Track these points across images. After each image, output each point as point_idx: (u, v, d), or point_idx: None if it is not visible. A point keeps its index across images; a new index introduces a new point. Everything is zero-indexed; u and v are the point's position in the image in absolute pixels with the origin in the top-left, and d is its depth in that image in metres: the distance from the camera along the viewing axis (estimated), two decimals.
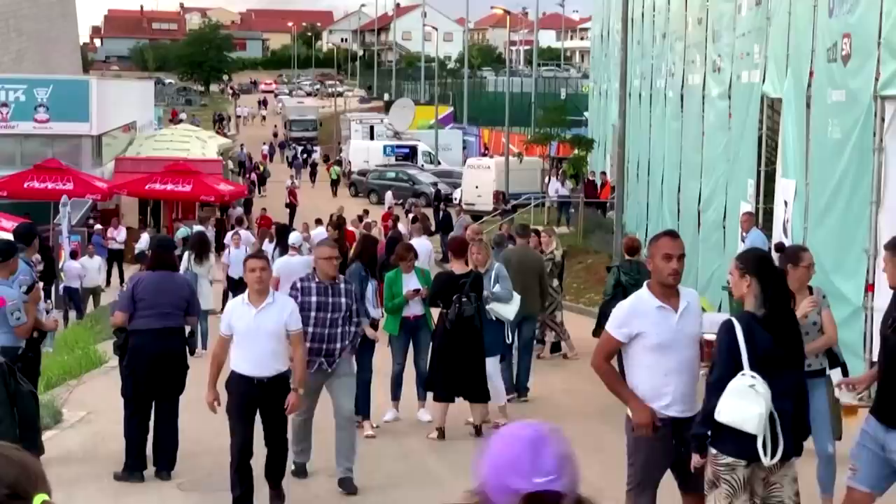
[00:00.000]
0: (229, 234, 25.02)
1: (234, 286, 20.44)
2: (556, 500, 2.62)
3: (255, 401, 9.20)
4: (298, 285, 10.27)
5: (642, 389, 6.97)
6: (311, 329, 9.98)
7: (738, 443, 6.32)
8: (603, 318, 15.17)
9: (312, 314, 10.07)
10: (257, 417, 9.37)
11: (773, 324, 6.32)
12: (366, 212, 39.11)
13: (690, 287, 8.40)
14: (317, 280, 10.29)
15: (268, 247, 20.71)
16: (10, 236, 12.71)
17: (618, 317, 7.07)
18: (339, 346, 10.20)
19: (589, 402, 14.24)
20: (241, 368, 9.22)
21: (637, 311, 6.95)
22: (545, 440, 2.80)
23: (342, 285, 10.37)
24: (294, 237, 19.47)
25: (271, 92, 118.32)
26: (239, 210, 41.31)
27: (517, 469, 2.63)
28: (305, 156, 70.40)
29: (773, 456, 6.30)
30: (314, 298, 10.16)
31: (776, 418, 6.27)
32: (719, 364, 6.42)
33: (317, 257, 10.55)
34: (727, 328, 6.37)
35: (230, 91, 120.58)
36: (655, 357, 6.87)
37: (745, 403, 6.22)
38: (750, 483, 6.38)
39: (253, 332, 9.11)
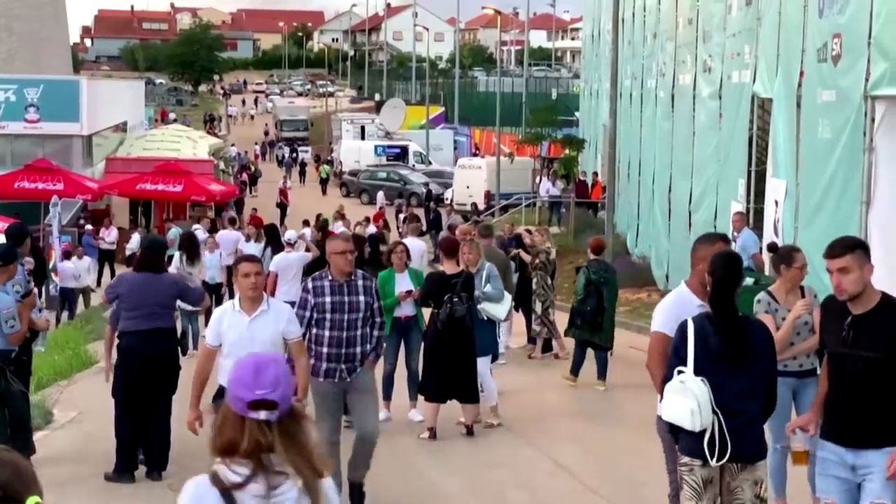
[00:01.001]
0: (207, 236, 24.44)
1: (209, 291, 19.25)
2: (272, 405, 3.72)
3: None
4: (310, 285, 9.35)
5: None
6: (326, 333, 9.16)
7: (689, 441, 6.26)
8: (576, 316, 15.34)
9: (328, 316, 9.16)
10: None
11: (719, 324, 6.26)
12: (342, 207, 39.10)
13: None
14: (330, 278, 9.28)
15: (255, 247, 20.68)
16: (1, 237, 12.70)
17: (662, 313, 7.00)
18: (359, 350, 9.26)
19: (580, 402, 14.27)
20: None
21: (680, 307, 6.81)
22: (266, 365, 3.78)
23: (360, 282, 9.35)
24: (290, 234, 19.60)
25: (262, 92, 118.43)
26: (231, 212, 41.24)
27: (244, 384, 3.74)
28: (294, 155, 70.45)
29: (719, 458, 6.15)
30: (328, 298, 9.20)
31: (720, 418, 6.16)
32: (668, 363, 6.44)
33: (330, 252, 9.51)
34: (681, 327, 6.36)
35: (221, 91, 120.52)
36: None
37: (679, 399, 6.21)
38: (716, 485, 6.28)
39: (246, 343, 8.23)
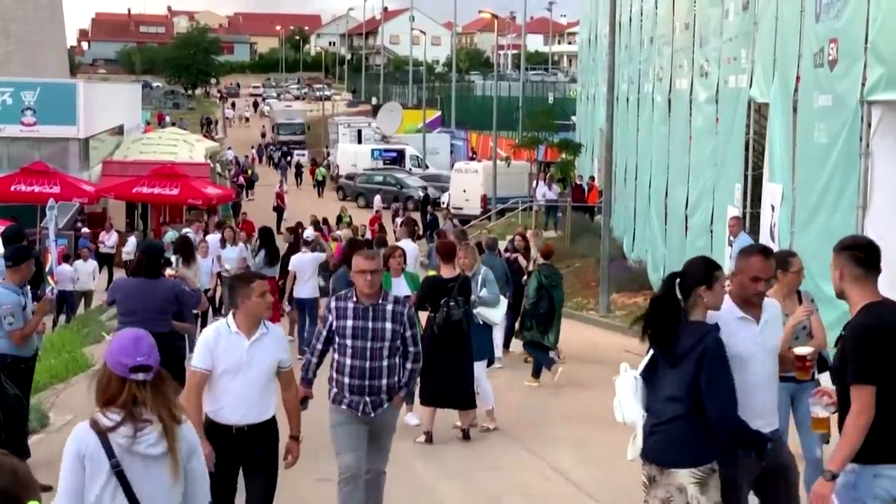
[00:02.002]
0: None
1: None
2: (148, 369, 4.82)
3: (235, 454, 7.40)
4: (333, 306, 8.43)
5: None
6: (348, 361, 8.30)
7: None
8: (528, 319, 15.74)
9: (349, 343, 8.30)
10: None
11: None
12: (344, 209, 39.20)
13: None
14: (355, 299, 8.34)
15: (233, 251, 20.71)
16: None
17: None
18: (384, 382, 8.33)
19: (576, 406, 14.26)
20: (219, 414, 7.39)
21: (720, 321, 6.49)
22: (142, 337, 4.90)
23: (389, 306, 8.35)
24: (308, 233, 21.34)
25: (259, 95, 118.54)
26: (217, 217, 41.08)
27: (126, 353, 4.83)
28: (288, 158, 70.66)
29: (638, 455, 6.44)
30: (350, 322, 8.29)
31: (644, 418, 6.43)
32: None
33: (352, 271, 8.54)
34: None
35: (218, 94, 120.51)
36: (736, 370, 6.40)
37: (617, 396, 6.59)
38: (660, 485, 6.38)
39: (244, 368, 7.36)
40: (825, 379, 8.70)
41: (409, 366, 8.48)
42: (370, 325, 8.28)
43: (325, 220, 32.99)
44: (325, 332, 8.44)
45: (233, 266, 19.97)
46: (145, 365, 4.84)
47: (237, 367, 7.35)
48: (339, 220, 40.59)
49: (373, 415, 8.32)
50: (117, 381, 4.82)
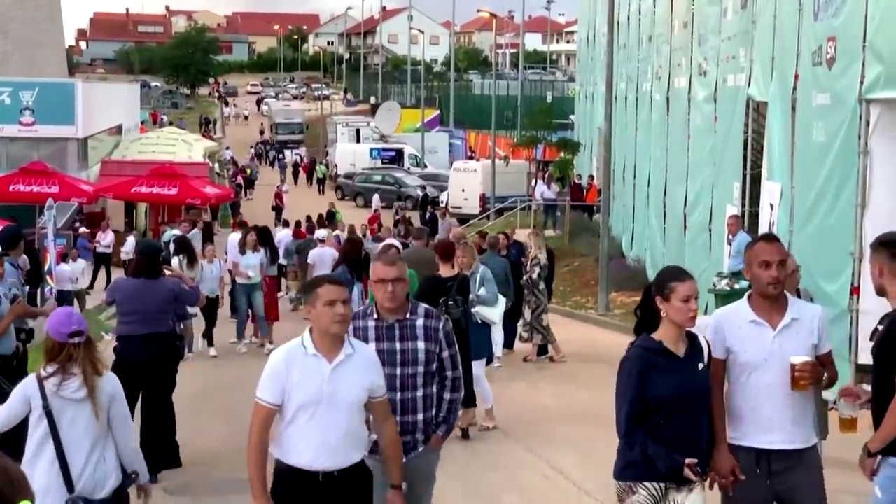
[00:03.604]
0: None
1: (206, 306, 17.40)
2: (81, 333, 6.44)
3: None
4: (350, 328, 6.30)
5: (735, 416, 6.20)
6: None
7: None
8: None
9: None
10: None
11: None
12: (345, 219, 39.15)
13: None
14: (376, 317, 6.66)
15: (252, 258, 19.38)
16: None
17: (710, 332, 6.27)
18: (421, 418, 6.67)
19: (576, 405, 14.26)
20: (298, 458, 5.82)
21: (727, 324, 6.16)
22: (73, 313, 6.59)
23: (419, 321, 6.66)
24: (321, 232, 22.89)
25: (256, 93, 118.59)
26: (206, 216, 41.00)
27: (64, 324, 6.42)
28: (279, 156, 70.99)
29: None
30: (374, 345, 6.53)
31: None
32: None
33: (370, 280, 6.87)
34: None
35: (217, 94, 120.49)
36: (746, 378, 6.11)
37: None
38: None
39: (327, 401, 5.77)
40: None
41: (447, 396, 6.78)
42: (398, 346, 6.60)
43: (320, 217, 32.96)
44: None
45: (255, 275, 19.24)
46: (79, 331, 6.46)
47: (316, 399, 5.77)
48: (331, 216, 40.36)
49: (404, 460, 6.41)
50: (58, 345, 6.42)
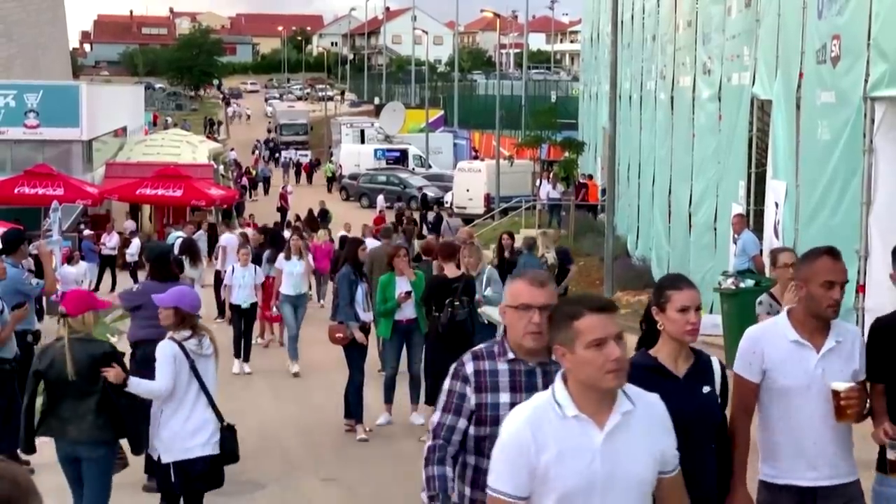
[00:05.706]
0: (221, 245, 22.36)
1: (241, 319, 16.67)
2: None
3: None
4: (468, 370, 4.95)
5: (770, 450, 5.52)
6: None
7: None
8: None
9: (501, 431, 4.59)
10: None
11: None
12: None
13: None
14: (510, 357, 4.92)
15: (297, 264, 17.41)
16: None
17: (744, 349, 5.51)
18: None
19: None
20: None
21: (767, 341, 5.46)
22: (197, 295, 8.17)
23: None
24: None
25: (254, 91, 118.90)
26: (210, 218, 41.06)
27: (195, 302, 7.96)
28: (277, 155, 71.21)
29: None
30: (505, 398, 4.86)
31: None
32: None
33: (507, 305, 4.94)
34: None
35: (221, 96, 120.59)
36: (784, 405, 5.43)
37: None
38: None
39: (602, 483, 3.93)
40: None
41: None
42: None
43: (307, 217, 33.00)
44: (461, 419, 4.98)
45: (297, 286, 17.15)
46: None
47: (589, 482, 3.91)
48: (324, 214, 40.28)
49: None
50: (193, 316, 7.92)
